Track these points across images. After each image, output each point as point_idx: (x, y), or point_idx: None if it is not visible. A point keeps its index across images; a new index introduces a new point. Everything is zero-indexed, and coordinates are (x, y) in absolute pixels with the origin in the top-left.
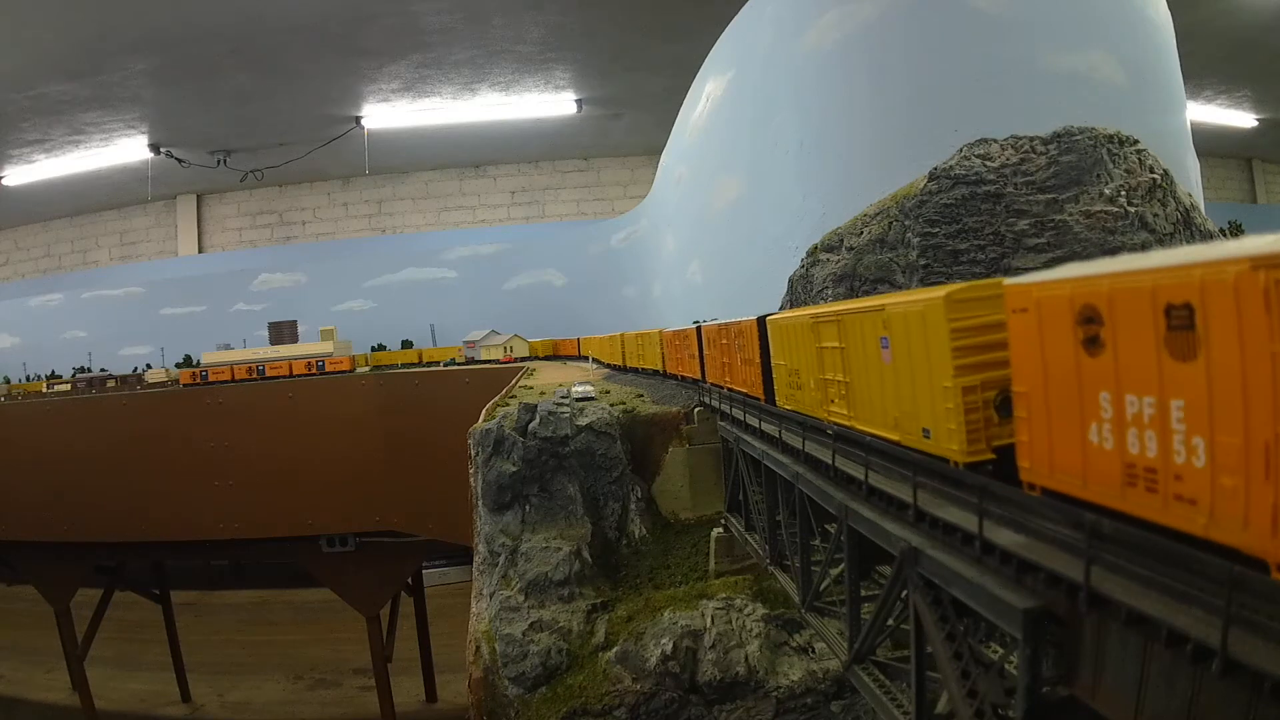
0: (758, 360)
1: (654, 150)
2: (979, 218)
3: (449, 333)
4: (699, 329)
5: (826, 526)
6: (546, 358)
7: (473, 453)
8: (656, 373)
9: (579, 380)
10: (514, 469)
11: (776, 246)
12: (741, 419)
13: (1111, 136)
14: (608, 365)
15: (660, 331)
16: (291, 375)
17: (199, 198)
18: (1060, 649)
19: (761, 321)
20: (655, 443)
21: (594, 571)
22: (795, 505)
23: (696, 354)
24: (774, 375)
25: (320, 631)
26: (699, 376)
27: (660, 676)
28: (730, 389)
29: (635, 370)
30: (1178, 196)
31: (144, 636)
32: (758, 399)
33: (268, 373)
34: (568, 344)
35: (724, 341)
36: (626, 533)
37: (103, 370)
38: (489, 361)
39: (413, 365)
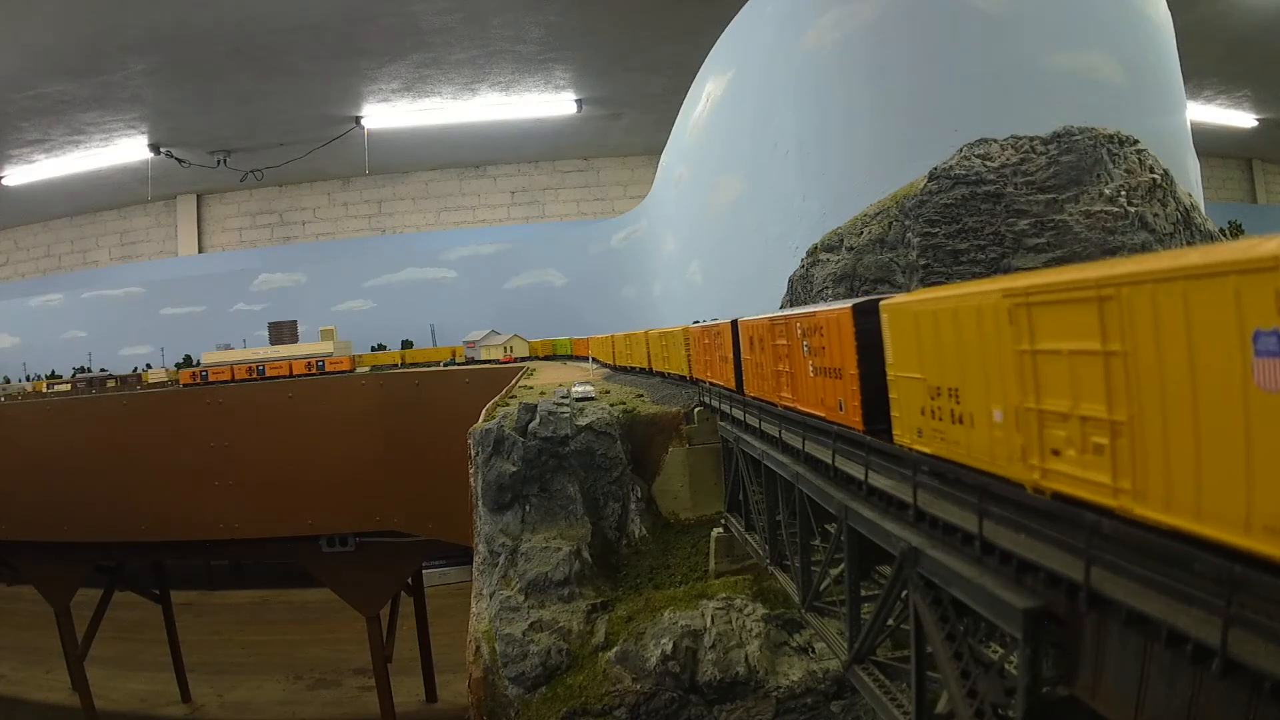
0: (853, 370)
1: (654, 150)
2: (979, 218)
3: (449, 333)
4: (735, 324)
5: (826, 526)
6: (546, 358)
7: (473, 453)
8: (683, 377)
9: (579, 380)
10: (514, 469)
11: (776, 246)
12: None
13: (1111, 136)
14: (609, 366)
15: (685, 329)
16: (291, 375)
17: (199, 198)
18: (1060, 649)
19: (867, 311)
20: (655, 443)
21: (594, 571)
22: (795, 505)
23: (730, 357)
24: (893, 394)
25: (320, 631)
26: (732, 385)
27: (660, 676)
28: (788, 408)
29: (651, 373)
30: (1178, 196)
31: (144, 636)
32: (847, 428)
33: (268, 373)
34: (578, 344)
35: (779, 342)
36: (626, 533)
37: (103, 370)
38: (489, 361)
39: (449, 363)
